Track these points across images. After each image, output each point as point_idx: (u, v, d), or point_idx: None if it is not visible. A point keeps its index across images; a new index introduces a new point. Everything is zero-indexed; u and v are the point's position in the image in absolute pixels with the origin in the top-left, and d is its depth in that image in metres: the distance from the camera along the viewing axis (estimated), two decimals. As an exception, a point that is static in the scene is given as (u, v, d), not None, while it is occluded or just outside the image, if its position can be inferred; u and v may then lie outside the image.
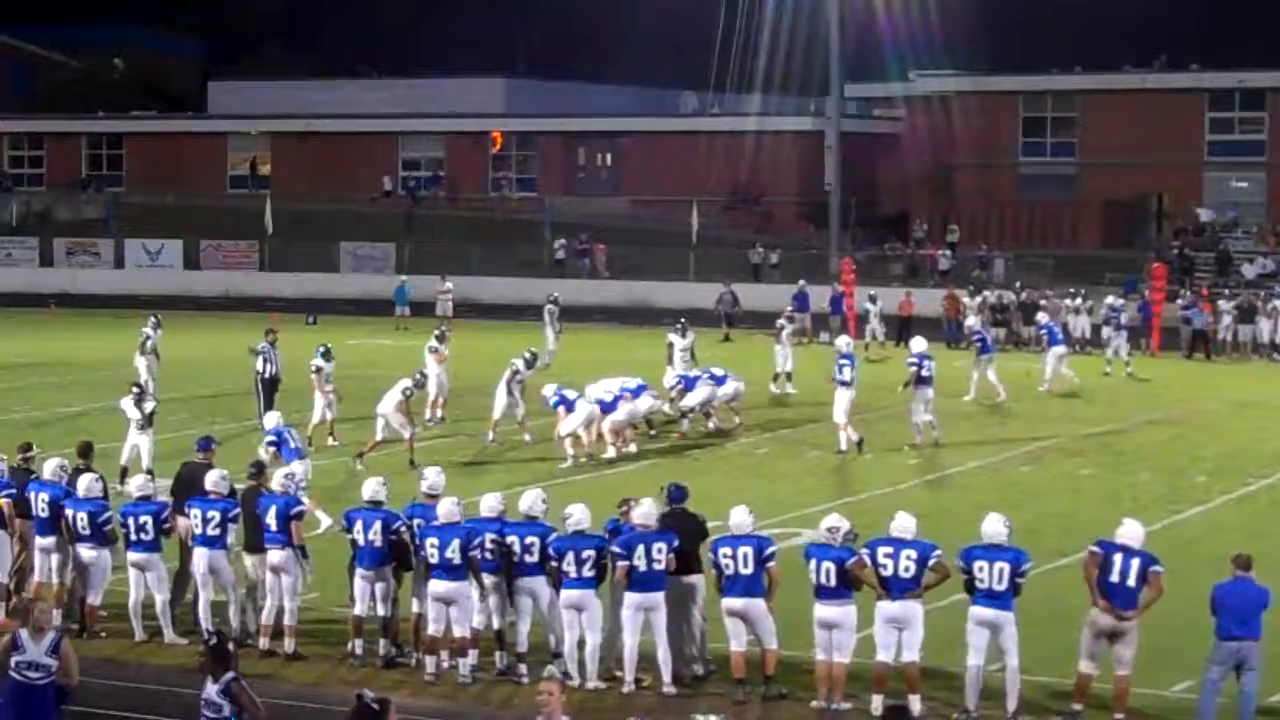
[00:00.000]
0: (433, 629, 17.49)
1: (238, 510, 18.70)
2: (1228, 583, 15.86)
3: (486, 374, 34.42)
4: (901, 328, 48.62)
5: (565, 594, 17.18)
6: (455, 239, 68.08)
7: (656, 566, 16.98)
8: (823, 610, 16.57)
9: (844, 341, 33.25)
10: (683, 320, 37.47)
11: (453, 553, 17.26)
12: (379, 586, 17.95)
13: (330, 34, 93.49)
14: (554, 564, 17.29)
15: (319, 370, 31.16)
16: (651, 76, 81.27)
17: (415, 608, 17.94)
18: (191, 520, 18.75)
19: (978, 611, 16.20)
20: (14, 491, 19.43)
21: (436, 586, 17.36)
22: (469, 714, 16.64)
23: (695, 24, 72.39)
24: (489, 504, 17.98)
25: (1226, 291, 53.26)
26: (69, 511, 18.88)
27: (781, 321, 40.38)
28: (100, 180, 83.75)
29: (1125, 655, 16.04)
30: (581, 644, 17.17)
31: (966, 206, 72.15)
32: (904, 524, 16.64)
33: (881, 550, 16.46)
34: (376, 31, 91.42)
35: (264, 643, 18.24)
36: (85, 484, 19.03)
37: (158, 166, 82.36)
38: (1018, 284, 53.46)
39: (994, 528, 16.36)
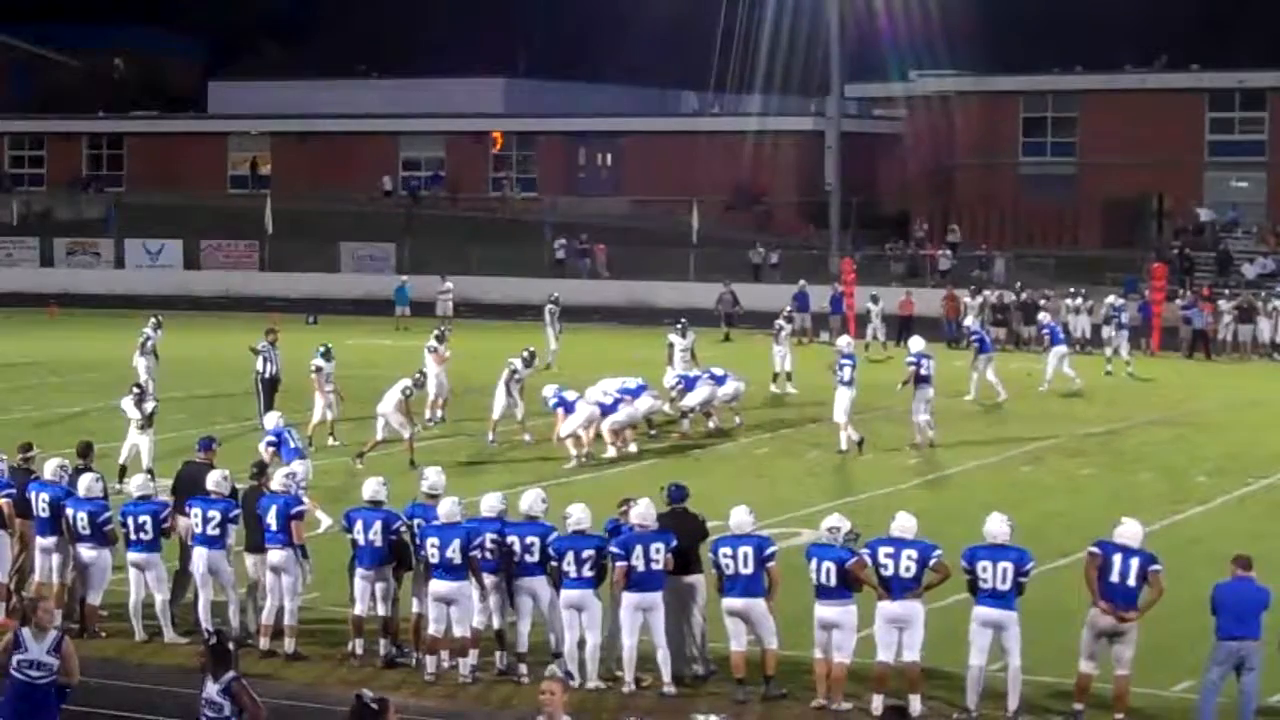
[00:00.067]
0: (433, 629, 17.48)
1: (238, 511, 18.70)
2: (1228, 583, 15.85)
3: (486, 374, 34.42)
4: (902, 328, 48.54)
5: (565, 594, 17.18)
6: (455, 239, 68.06)
7: (654, 567, 16.97)
8: (823, 610, 16.57)
9: (845, 341, 33.27)
10: (683, 320, 37.47)
11: (453, 553, 17.25)
12: (379, 586, 17.95)
13: (330, 34, 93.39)
14: (554, 564, 17.29)
15: (319, 370, 31.18)
16: (651, 76, 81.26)
17: (415, 608, 17.94)
18: (192, 520, 18.75)
19: (981, 612, 16.19)
20: (14, 491, 19.44)
21: (437, 586, 17.35)
22: (469, 714, 16.64)
23: (695, 24, 72.39)
24: (489, 504, 17.98)
25: (1227, 291, 53.25)
26: (69, 511, 18.88)
27: (780, 322, 40.37)
28: (100, 180, 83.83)
29: (1125, 655, 16.04)
30: (582, 644, 17.17)
31: (967, 206, 72.15)
32: (904, 524, 16.64)
33: (882, 550, 16.46)
34: (376, 31, 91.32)
35: (264, 643, 18.24)
36: (85, 484, 19.03)
37: (158, 166, 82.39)
38: (1018, 284, 53.46)
39: (997, 527, 16.35)
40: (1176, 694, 16.78)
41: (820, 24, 68.82)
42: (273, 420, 24.90)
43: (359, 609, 18.09)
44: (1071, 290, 51.03)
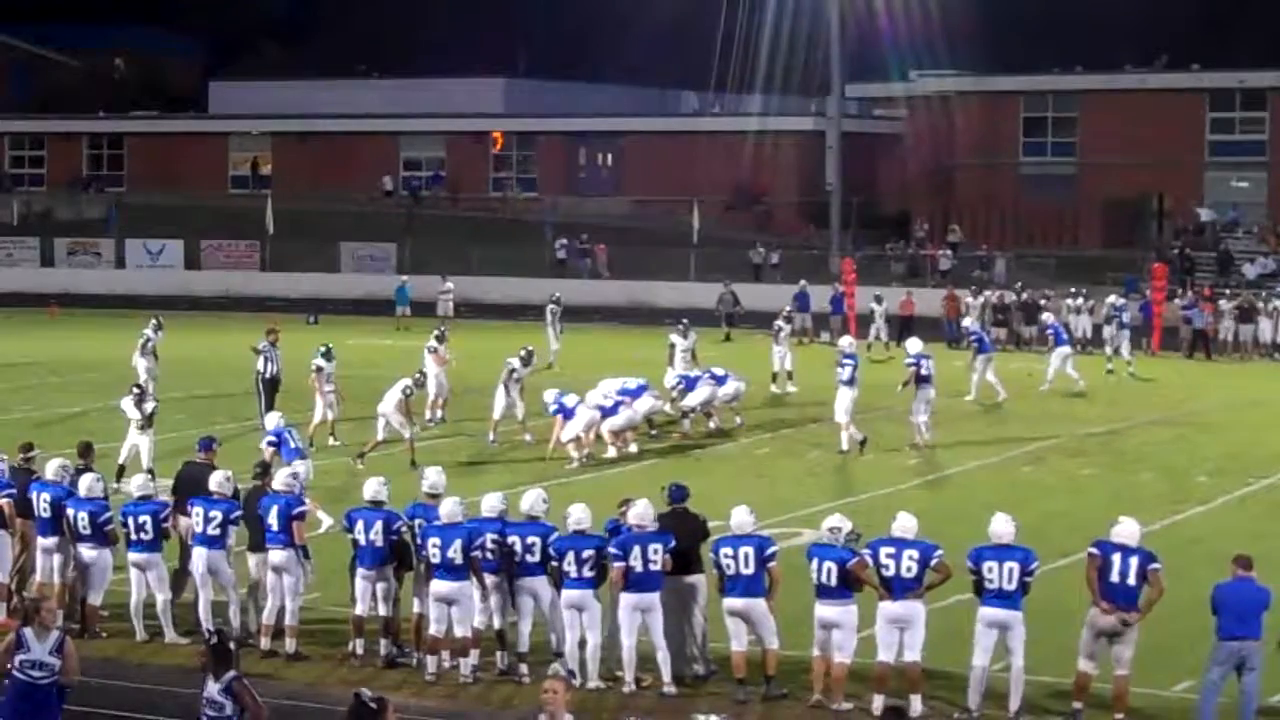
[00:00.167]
0: (434, 629, 17.48)
1: (239, 512, 18.70)
2: (1229, 583, 15.85)
3: (486, 374, 34.42)
4: (902, 328, 48.56)
5: (566, 594, 17.18)
6: (456, 239, 68.07)
7: (652, 567, 16.97)
8: (823, 610, 16.57)
9: (847, 341, 33.27)
10: (684, 321, 37.50)
11: (455, 553, 17.25)
12: (380, 586, 17.95)
13: (330, 34, 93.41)
14: (555, 564, 17.29)
15: (319, 370, 31.18)
16: (651, 76, 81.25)
17: (416, 608, 17.94)
18: (193, 519, 18.75)
19: (987, 613, 16.18)
20: (14, 491, 19.44)
21: (438, 586, 17.35)
22: (470, 714, 16.64)
23: (695, 24, 72.37)
24: (490, 504, 17.98)
25: (1227, 292, 53.26)
26: (70, 511, 18.88)
27: (779, 323, 40.37)
28: (101, 180, 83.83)
29: (1125, 655, 16.04)
30: (583, 644, 17.16)
31: (967, 206, 72.15)
32: (905, 524, 16.64)
33: (884, 550, 16.46)
34: (376, 31, 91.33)
35: (265, 642, 18.25)
36: (86, 484, 19.03)
37: (158, 166, 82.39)
38: (1018, 284, 53.47)
39: (1002, 527, 16.36)
40: (1176, 694, 16.78)
41: (820, 24, 68.82)
42: (273, 420, 24.92)
43: (360, 609, 18.10)
44: (1072, 290, 51.05)
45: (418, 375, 31.26)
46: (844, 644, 16.48)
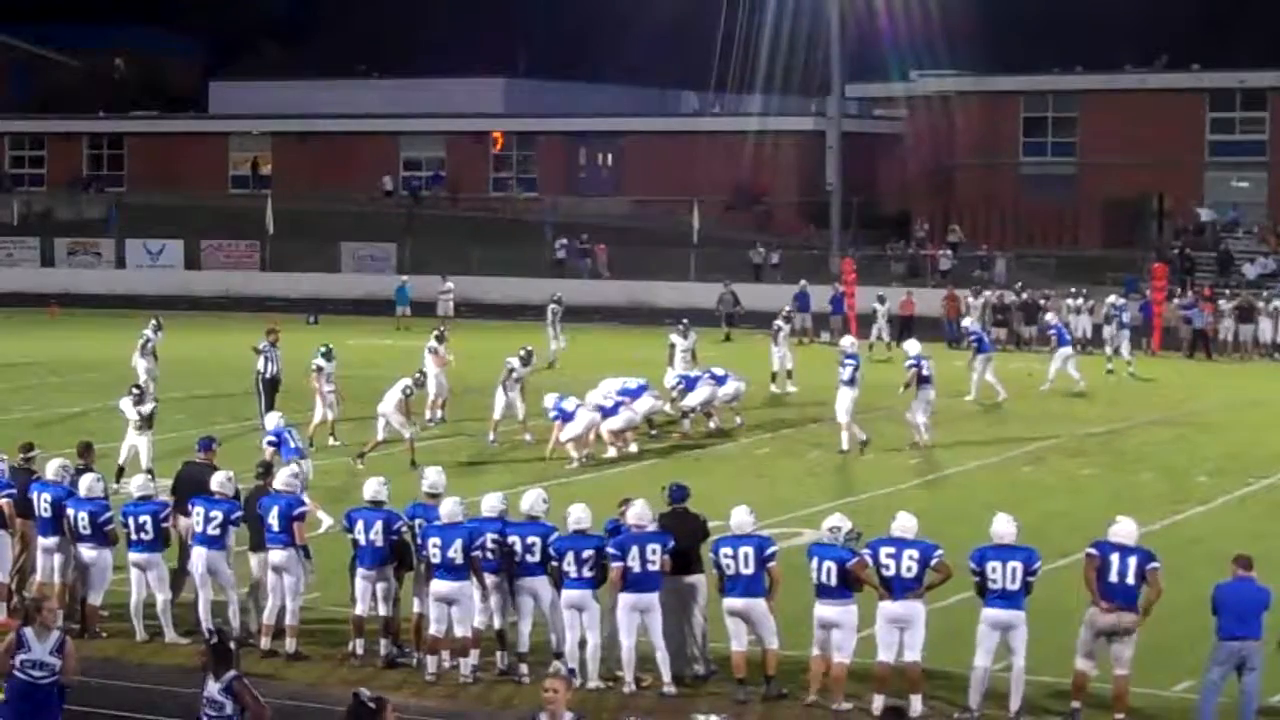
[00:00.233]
0: (434, 629, 17.48)
1: (240, 513, 18.70)
2: (1229, 583, 15.85)
3: (486, 374, 34.43)
4: (902, 328, 48.62)
5: (566, 594, 17.18)
6: (456, 239, 68.07)
7: (651, 568, 16.96)
8: (823, 610, 16.57)
9: (848, 341, 33.24)
10: (685, 321, 37.51)
11: (455, 553, 17.25)
12: (380, 586, 17.95)
13: (330, 34, 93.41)
14: (555, 564, 17.29)
15: (319, 370, 31.18)
16: (651, 76, 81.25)
17: (416, 608, 17.94)
18: (193, 519, 18.75)
19: (991, 614, 16.16)
20: (14, 491, 19.44)
21: (439, 586, 17.34)
22: (470, 714, 16.64)
23: (695, 24, 72.37)
24: (490, 504, 17.98)
25: (1227, 292, 53.26)
26: (70, 511, 18.88)
27: (778, 323, 40.36)
28: (101, 180, 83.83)
29: (1124, 655, 16.04)
30: (583, 644, 17.16)
31: (967, 206, 72.15)
32: (905, 524, 16.64)
33: (884, 550, 16.46)
34: (376, 31, 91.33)
35: (265, 642, 18.25)
36: (86, 484, 19.03)
37: (158, 166, 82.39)
38: (1018, 284, 53.48)
39: (1004, 528, 16.36)
40: (1177, 694, 16.78)
41: (820, 24, 68.82)
42: (273, 420, 24.93)
43: (360, 609, 18.10)
44: (1072, 290, 51.05)
45: (418, 375, 31.27)
46: (843, 644, 16.47)
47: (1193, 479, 28.90)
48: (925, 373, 31.15)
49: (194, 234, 70.58)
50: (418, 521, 18.05)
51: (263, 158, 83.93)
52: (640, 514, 17.28)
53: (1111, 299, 46.21)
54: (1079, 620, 16.31)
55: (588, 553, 17.11)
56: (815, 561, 16.60)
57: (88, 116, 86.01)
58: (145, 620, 18.82)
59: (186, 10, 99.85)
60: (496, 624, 17.73)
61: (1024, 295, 51.14)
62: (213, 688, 12.50)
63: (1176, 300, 51.25)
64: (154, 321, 37.99)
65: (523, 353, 32.05)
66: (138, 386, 28.62)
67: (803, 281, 53.48)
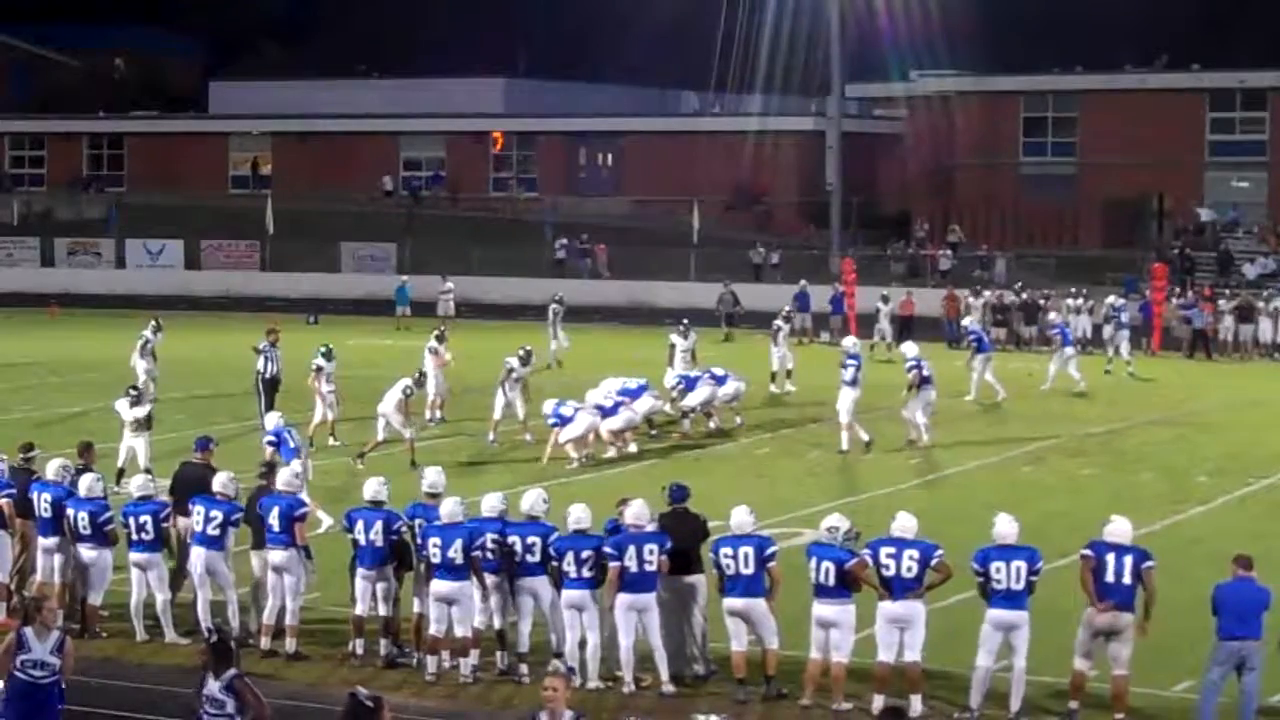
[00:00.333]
0: (434, 629, 17.48)
1: (240, 515, 18.70)
2: (1229, 583, 15.86)
3: (486, 374, 34.43)
4: (902, 328, 48.64)
5: (566, 594, 17.18)
6: (456, 239, 68.08)
7: (648, 568, 16.96)
8: (821, 609, 16.56)
9: (850, 342, 33.22)
10: (685, 321, 37.52)
11: (455, 553, 17.25)
12: (380, 586, 17.95)
13: (330, 34, 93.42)
14: (555, 564, 17.29)
15: (319, 370, 31.17)
16: (651, 76, 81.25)
17: (416, 607, 17.94)
18: (193, 519, 18.74)
19: (996, 615, 16.15)
20: (14, 491, 19.44)
21: (439, 586, 17.34)
22: (470, 714, 16.64)
23: (695, 24, 72.36)
24: (490, 504, 17.98)
25: (1227, 292, 53.27)
26: (70, 511, 18.88)
27: (778, 323, 40.35)
28: (101, 180, 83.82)
29: (1122, 655, 16.04)
30: (583, 644, 17.16)
31: (967, 206, 72.15)
32: (905, 524, 16.64)
33: (884, 550, 16.46)
34: (376, 31, 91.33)
35: (265, 642, 18.25)
36: (86, 484, 19.03)
37: (158, 166, 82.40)
38: (1018, 284, 53.49)
39: (1006, 528, 16.36)
40: (1176, 694, 16.79)
41: (820, 24, 68.82)
42: (273, 420, 24.94)
43: (360, 609, 18.10)
44: (1072, 290, 51.04)
45: (417, 375, 31.27)
46: (842, 643, 16.47)
47: (1193, 479, 28.91)
48: (925, 373, 31.17)
49: (194, 234, 70.58)
50: (418, 521, 18.05)
51: (263, 158, 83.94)
52: (638, 514, 17.27)
53: (1110, 299, 46.22)
54: (1078, 620, 16.31)
55: (587, 553, 17.10)
56: (813, 561, 16.60)
57: (88, 116, 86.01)
58: (145, 620, 18.81)
59: (186, 10, 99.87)
60: (496, 624, 17.73)
61: (1024, 295, 51.14)
62: (213, 686, 12.50)
63: (1176, 300, 51.24)
64: (153, 322, 37.99)
65: (522, 353, 32.04)
66: (134, 388, 28.59)
67: (803, 281, 53.48)
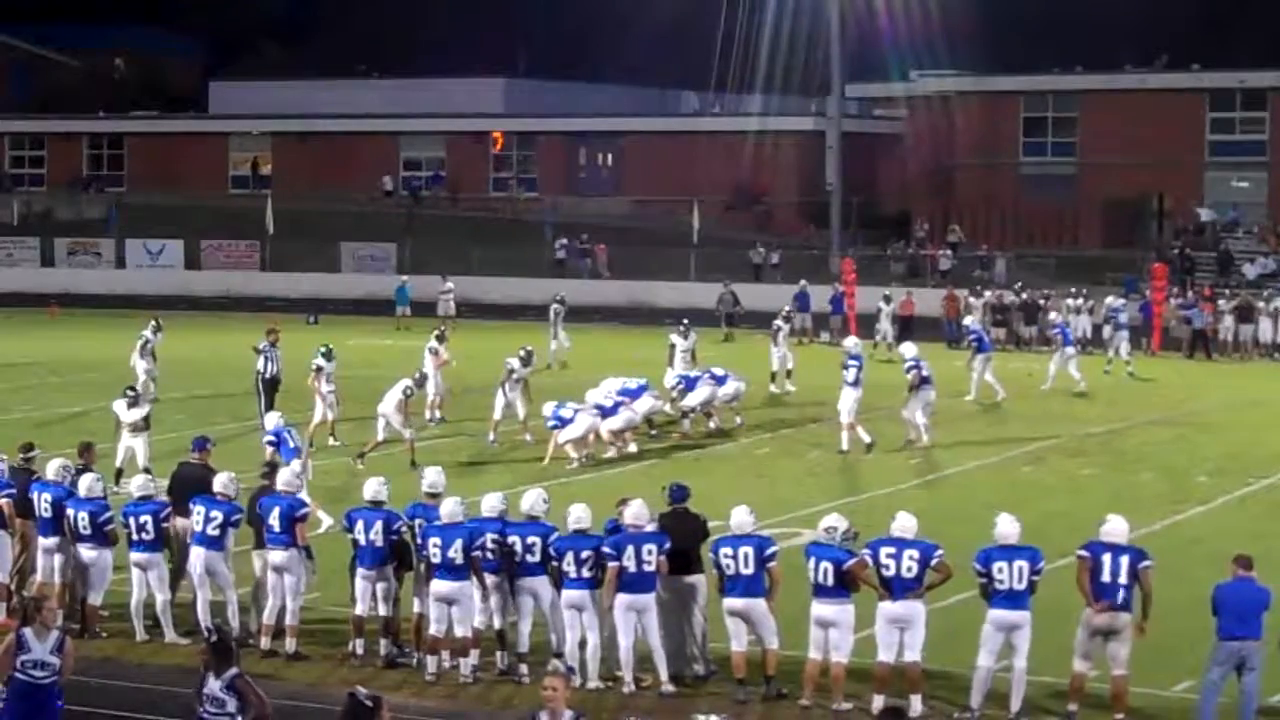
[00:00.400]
0: (434, 629, 17.48)
1: (240, 515, 18.70)
2: (1229, 583, 15.86)
3: (486, 374, 34.44)
4: (902, 328, 48.65)
5: (566, 594, 17.18)
6: (456, 239, 68.08)
7: (646, 568, 16.96)
8: (820, 608, 16.56)
9: (852, 342, 33.18)
10: (685, 321, 37.52)
11: (455, 553, 17.25)
12: (380, 586, 17.96)
13: (330, 34, 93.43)
14: (555, 564, 17.30)
15: (319, 370, 31.17)
16: (651, 76, 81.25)
17: (416, 607, 17.94)
18: (193, 519, 18.74)
19: (998, 615, 16.15)
20: (14, 491, 19.44)
21: (439, 586, 17.34)
22: (470, 714, 16.64)
23: (695, 24, 72.36)
24: (490, 504, 17.99)
25: (1227, 292, 53.27)
26: (70, 512, 18.88)
27: (778, 323, 40.35)
28: (101, 180, 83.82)
29: (1121, 654, 16.04)
30: (583, 644, 17.16)
31: (967, 206, 72.15)
32: (905, 524, 16.64)
33: (884, 550, 16.46)
34: (376, 31, 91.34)
35: (265, 642, 18.25)
36: (86, 484, 19.03)
37: (158, 166, 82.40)
38: (1018, 284, 53.49)
39: (1008, 528, 16.37)
40: (1176, 694, 16.79)
41: (820, 24, 68.81)
42: (273, 420, 24.95)
43: (360, 609, 18.10)
44: (1072, 290, 51.05)
45: (418, 375, 31.27)
46: (841, 643, 16.47)
47: (1193, 479, 28.91)
48: (924, 373, 31.18)
49: (194, 234, 70.57)
50: (418, 521, 18.06)
51: (263, 158, 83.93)
52: (637, 514, 17.27)
53: (1109, 300, 46.22)
54: (1078, 620, 16.31)
55: (587, 553, 17.10)
56: (812, 561, 16.60)
57: (88, 116, 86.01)
58: (145, 620, 18.81)
59: (186, 10, 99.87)
60: (496, 624, 17.73)
61: (1024, 295, 51.14)
62: (214, 685, 12.51)
63: (1176, 300, 51.24)
64: (153, 323, 38.04)
65: (522, 353, 32.04)
66: (131, 388, 28.54)
67: (803, 281, 53.48)
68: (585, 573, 17.09)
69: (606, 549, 17.01)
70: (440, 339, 34.92)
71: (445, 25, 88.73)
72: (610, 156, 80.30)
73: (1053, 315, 44.95)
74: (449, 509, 17.62)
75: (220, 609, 18.49)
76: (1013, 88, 74.48)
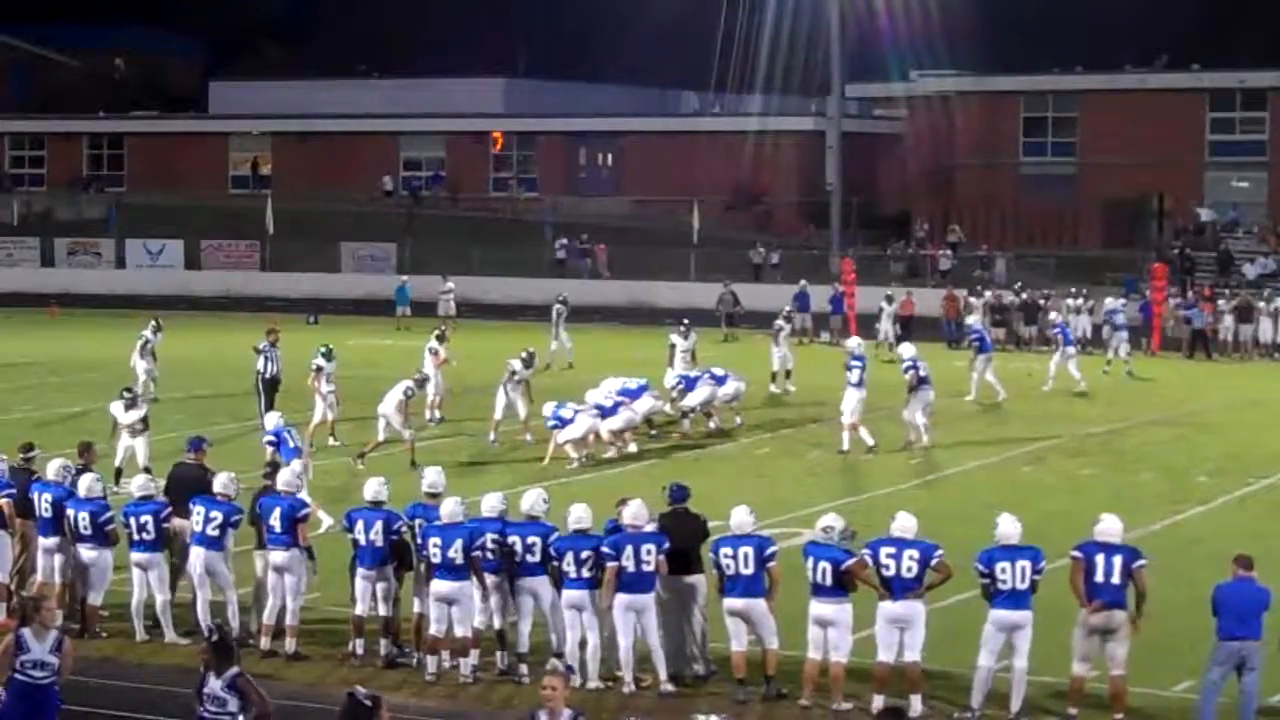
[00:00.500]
0: (434, 629, 17.48)
1: (240, 516, 18.70)
2: (1229, 583, 15.85)
3: (486, 374, 34.43)
4: (902, 328, 48.64)
5: (566, 594, 17.19)
6: (456, 239, 68.07)
7: (645, 568, 16.96)
8: (818, 608, 16.56)
9: (855, 343, 33.10)
10: (685, 321, 37.51)
11: (455, 553, 17.25)
12: (380, 586, 17.96)
13: (330, 34, 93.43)
14: (555, 564, 17.29)
15: (319, 370, 31.16)
16: (651, 76, 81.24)
17: (416, 607, 17.94)
18: (193, 519, 18.73)
19: (1000, 615, 16.15)
20: (14, 491, 19.44)
21: (439, 586, 17.34)
22: (470, 714, 16.65)
23: (695, 24, 72.36)
24: (490, 504, 17.99)
25: (1227, 292, 53.27)
26: (70, 512, 18.87)
27: (779, 323, 40.36)
28: (101, 180, 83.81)
29: (1119, 654, 16.04)
30: (583, 644, 17.17)
31: (967, 206, 72.14)
32: (905, 524, 16.64)
33: (884, 550, 16.46)
34: (376, 31, 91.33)
35: (265, 642, 18.25)
36: (86, 484, 19.03)
37: (158, 166, 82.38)
38: (1018, 284, 53.48)
39: (1010, 528, 16.38)
40: (1177, 694, 16.79)
41: (820, 24, 68.80)
42: (273, 420, 24.96)
43: (360, 609, 18.10)
44: (1072, 290, 51.04)
45: (419, 376, 31.25)
46: (840, 642, 16.47)
47: (1193, 479, 28.91)
48: (922, 374, 31.16)
49: (194, 234, 70.55)
50: (418, 521, 18.06)
51: (263, 158, 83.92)
52: (635, 514, 17.27)
53: (1109, 301, 46.21)
54: (1077, 621, 16.30)
55: (587, 553, 17.10)
56: (810, 561, 16.60)
57: (88, 116, 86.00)
58: (145, 620, 18.81)
59: (186, 10, 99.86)
60: (496, 624, 17.73)
61: (1024, 295, 51.13)
62: (215, 684, 12.51)
63: (1176, 300, 51.24)
64: (153, 323, 38.05)
65: (525, 355, 32.04)
66: (129, 390, 28.49)
67: (803, 281, 53.47)
68: (585, 573, 17.09)
69: (605, 549, 17.00)
70: (440, 339, 34.92)
71: (445, 25, 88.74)
72: (610, 156, 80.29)
73: (1053, 315, 44.97)
74: (449, 509, 17.62)
75: (220, 609, 18.48)
76: (1013, 88, 74.47)
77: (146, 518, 18.76)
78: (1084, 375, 39.64)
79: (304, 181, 77.88)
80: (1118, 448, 32.36)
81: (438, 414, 33.70)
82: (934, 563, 16.40)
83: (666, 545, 17.08)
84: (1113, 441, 33.08)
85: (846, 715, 16.36)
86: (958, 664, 16.81)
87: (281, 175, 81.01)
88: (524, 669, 17.31)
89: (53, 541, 19.07)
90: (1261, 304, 49.55)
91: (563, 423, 29.25)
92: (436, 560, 17.34)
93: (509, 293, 62.78)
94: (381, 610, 17.96)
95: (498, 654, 17.68)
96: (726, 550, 16.91)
